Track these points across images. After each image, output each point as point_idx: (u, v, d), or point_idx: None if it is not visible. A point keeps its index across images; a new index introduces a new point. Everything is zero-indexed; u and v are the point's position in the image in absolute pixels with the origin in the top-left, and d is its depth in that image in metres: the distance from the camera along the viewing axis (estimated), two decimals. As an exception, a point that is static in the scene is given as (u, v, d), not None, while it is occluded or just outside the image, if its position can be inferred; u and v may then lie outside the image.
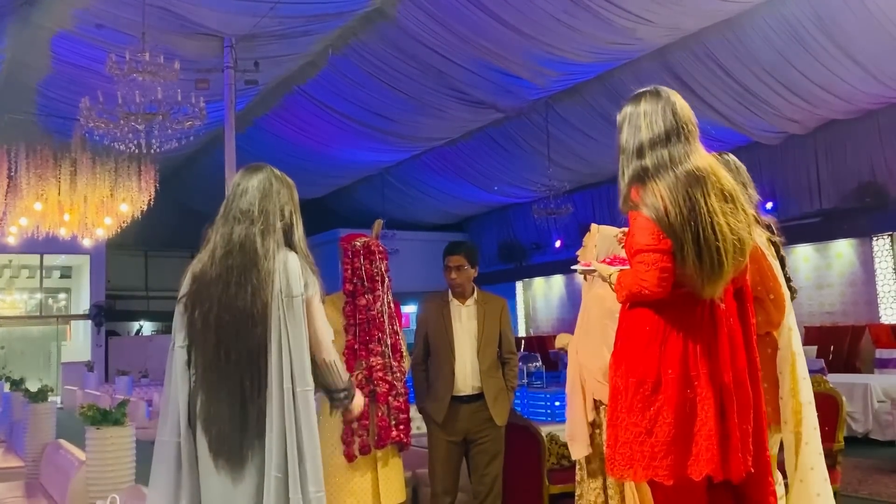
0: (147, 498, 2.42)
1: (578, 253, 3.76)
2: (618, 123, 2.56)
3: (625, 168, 2.50)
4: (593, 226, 3.74)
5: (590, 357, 3.51)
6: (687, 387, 2.34)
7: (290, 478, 2.26)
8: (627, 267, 2.54)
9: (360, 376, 3.72)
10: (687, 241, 2.32)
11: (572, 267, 3.20)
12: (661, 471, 2.33)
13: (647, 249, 2.35)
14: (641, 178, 2.42)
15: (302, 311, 2.42)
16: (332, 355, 2.57)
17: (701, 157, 2.43)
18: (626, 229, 2.80)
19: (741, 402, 2.39)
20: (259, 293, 2.36)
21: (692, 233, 2.32)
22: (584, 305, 3.66)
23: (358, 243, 3.85)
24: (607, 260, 3.09)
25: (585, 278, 3.67)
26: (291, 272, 2.43)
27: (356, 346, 3.77)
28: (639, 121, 2.47)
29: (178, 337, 2.43)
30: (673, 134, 2.42)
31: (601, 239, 3.64)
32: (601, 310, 3.37)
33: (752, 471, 2.38)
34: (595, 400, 3.52)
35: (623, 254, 3.49)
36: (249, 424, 2.32)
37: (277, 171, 2.58)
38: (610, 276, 2.63)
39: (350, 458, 3.70)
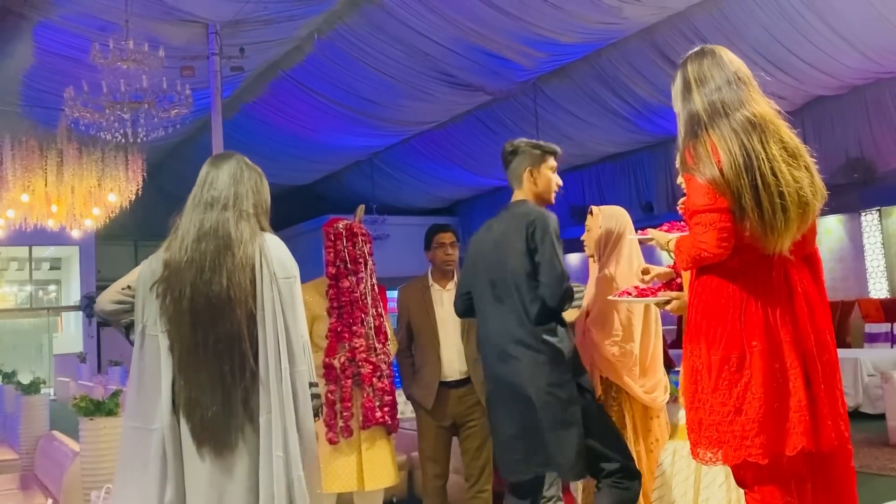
0: (122, 487, 2.34)
1: (583, 237, 3.75)
2: (672, 94, 2.54)
3: (681, 130, 2.46)
4: (594, 208, 3.72)
5: (601, 336, 3.53)
6: (773, 358, 2.25)
7: (291, 456, 2.28)
8: (686, 233, 2.49)
9: (342, 359, 3.71)
10: (744, 188, 2.24)
11: (637, 237, 3.15)
12: (755, 450, 2.21)
13: (704, 210, 2.28)
14: (695, 132, 2.37)
15: (297, 291, 2.42)
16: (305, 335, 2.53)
17: (758, 105, 2.40)
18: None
19: (828, 365, 2.31)
20: (235, 278, 2.33)
21: (749, 180, 2.25)
22: (591, 287, 3.65)
23: (340, 226, 3.83)
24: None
25: (594, 259, 3.69)
26: (281, 254, 2.43)
27: (339, 329, 3.75)
28: (689, 81, 2.46)
29: (151, 322, 2.39)
30: (724, 83, 2.41)
31: (604, 220, 3.65)
32: (613, 290, 3.38)
33: (846, 435, 2.29)
34: (601, 377, 3.55)
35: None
36: (236, 409, 2.30)
37: (247, 159, 2.56)
38: (668, 242, 2.55)
39: (332, 441, 3.68)
